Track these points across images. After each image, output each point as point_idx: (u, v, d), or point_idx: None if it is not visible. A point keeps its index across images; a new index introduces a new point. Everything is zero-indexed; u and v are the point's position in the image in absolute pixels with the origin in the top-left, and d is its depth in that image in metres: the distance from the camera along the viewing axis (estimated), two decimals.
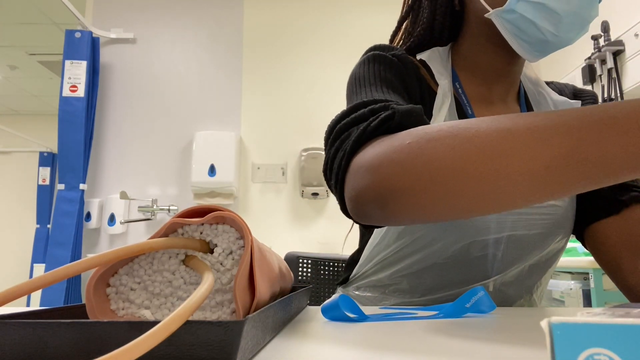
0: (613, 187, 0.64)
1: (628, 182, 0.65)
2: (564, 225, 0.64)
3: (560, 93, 0.75)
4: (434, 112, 0.62)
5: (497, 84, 0.67)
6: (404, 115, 0.45)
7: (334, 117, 0.52)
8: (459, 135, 0.37)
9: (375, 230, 0.67)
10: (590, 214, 0.66)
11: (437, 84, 0.65)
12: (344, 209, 0.50)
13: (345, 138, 0.48)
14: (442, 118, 0.61)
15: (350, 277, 0.74)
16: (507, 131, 0.35)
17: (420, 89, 0.65)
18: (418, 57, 0.66)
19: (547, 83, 0.76)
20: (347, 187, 0.46)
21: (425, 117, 0.48)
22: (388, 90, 0.58)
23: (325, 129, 0.54)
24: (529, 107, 0.70)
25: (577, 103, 0.70)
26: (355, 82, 0.61)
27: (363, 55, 0.66)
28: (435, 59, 0.66)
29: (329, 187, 0.52)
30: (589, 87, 2.09)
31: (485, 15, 0.59)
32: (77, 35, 2.48)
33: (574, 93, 0.76)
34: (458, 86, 0.67)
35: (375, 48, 0.66)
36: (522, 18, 0.56)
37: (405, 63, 0.64)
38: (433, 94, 0.65)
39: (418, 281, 0.64)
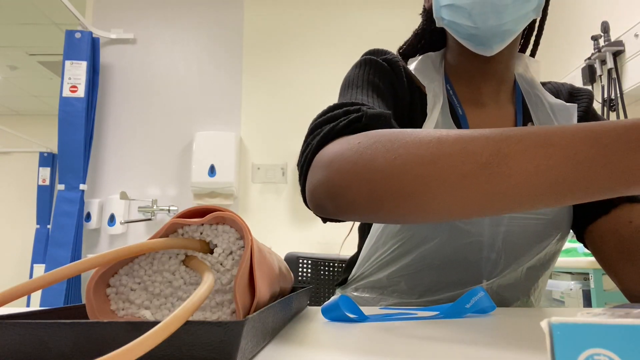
0: None
1: None
2: (560, 225, 0.64)
3: (557, 93, 0.75)
4: (427, 113, 0.65)
5: (484, 84, 0.69)
6: (372, 118, 0.48)
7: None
8: (398, 139, 0.39)
9: (372, 229, 0.68)
10: (584, 216, 0.66)
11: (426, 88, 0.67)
12: (305, 201, 0.52)
13: (316, 135, 0.50)
14: (435, 119, 0.64)
15: (349, 278, 0.74)
16: (438, 139, 0.37)
17: (410, 92, 0.68)
18: (409, 64, 0.70)
19: (545, 83, 0.76)
20: (307, 180, 0.49)
21: (393, 122, 0.51)
22: (373, 93, 0.61)
23: None
24: (525, 108, 0.70)
25: (573, 107, 0.70)
26: (345, 84, 0.64)
27: (358, 59, 0.70)
28: (427, 64, 0.70)
29: None
30: (588, 87, 2.09)
31: (437, 25, 0.66)
32: (77, 35, 2.48)
33: (570, 92, 0.76)
34: (449, 88, 0.69)
35: (368, 53, 0.69)
36: (450, 21, 0.62)
37: (395, 67, 0.67)
38: (424, 96, 0.68)
39: (415, 282, 0.64)
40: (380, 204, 0.40)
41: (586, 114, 0.72)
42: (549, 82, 0.77)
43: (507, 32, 0.60)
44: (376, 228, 0.67)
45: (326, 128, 0.49)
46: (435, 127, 0.63)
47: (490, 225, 0.61)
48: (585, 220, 0.66)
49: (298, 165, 0.53)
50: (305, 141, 0.52)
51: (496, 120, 0.68)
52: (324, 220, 0.51)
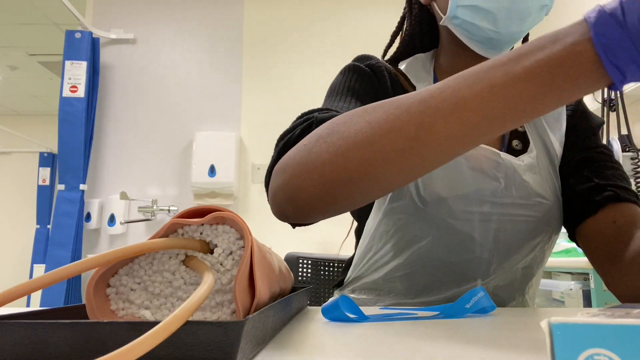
0: (589, 188, 0.64)
1: (603, 181, 0.64)
2: (551, 222, 0.65)
3: None
4: None
5: None
6: (320, 123, 0.50)
7: None
8: (334, 132, 0.42)
9: (364, 230, 0.68)
10: (573, 217, 0.66)
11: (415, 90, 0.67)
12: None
13: (277, 147, 0.53)
14: None
15: (346, 279, 0.74)
16: (368, 123, 0.40)
17: (395, 96, 0.67)
18: (399, 65, 0.71)
19: None
20: (269, 189, 0.51)
21: None
22: (352, 99, 0.63)
23: None
24: None
25: (561, 107, 0.70)
26: (328, 92, 0.67)
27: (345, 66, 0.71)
28: (416, 66, 0.71)
29: None
30: None
31: (440, 23, 0.65)
32: (77, 35, 2.47)
33: None
34: None
35: (354, 59, 0.71)
36: (465, 22, 0.61)
37: (378, 73, 0.68)
38: None
39: (411, 282, 0.64)
40: (333, 195, 0.43)
41: (574, 113, 0.72)
42: None
43: (519, 38, 0.61)
44: (368, 228, 0.67)
45: (285, 139, 0.51)
46: None
47: (480, 222, 0.61)
48: (574, 221, 0.66)
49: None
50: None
51: None
52: (293, 225, 0.52)
